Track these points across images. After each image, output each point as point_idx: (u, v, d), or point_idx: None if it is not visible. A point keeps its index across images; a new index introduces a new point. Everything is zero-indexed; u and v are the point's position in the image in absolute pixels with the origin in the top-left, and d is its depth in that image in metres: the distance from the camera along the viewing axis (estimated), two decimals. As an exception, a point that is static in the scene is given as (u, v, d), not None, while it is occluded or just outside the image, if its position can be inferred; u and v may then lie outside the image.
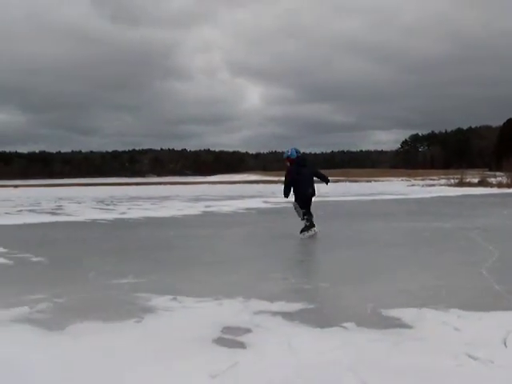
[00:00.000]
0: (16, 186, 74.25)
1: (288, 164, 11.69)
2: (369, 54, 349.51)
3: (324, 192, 37.32)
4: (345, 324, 4.47)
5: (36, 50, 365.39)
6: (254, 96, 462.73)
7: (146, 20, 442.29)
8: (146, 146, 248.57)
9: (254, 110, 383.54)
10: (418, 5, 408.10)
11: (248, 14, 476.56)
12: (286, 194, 11.64)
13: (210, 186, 70.89)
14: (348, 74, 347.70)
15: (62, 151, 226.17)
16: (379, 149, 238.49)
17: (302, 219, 11.37)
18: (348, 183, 67.93)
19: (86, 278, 6.74)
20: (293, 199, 11.61)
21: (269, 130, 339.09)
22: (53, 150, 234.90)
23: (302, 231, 11.24)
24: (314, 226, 11.32)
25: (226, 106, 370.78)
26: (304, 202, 11.51)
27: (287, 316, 4.78)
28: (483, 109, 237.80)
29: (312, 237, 11.05)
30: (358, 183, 67.80)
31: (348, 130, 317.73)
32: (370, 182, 74.93)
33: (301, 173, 11.51)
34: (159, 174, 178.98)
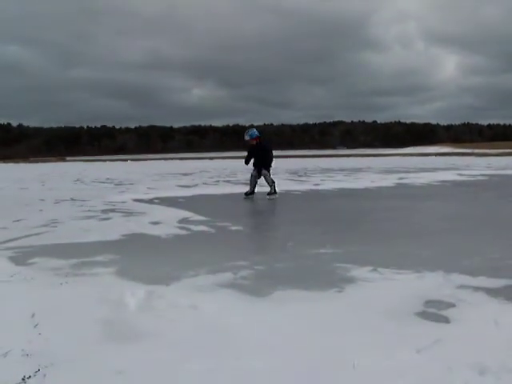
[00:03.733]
0: (211, 158, 77.61)
1: (254, 143, 14.50)
2: None
3: (504, 164, 35.40)
4: (555, 305, 4.18)
5: (234, 27, 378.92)
6: (449, 66, 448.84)
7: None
8: (337, 119, 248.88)
9: (448, 81, 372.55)
10: None
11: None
12: (268, 164, 14.56)
13: (402, 157, 69.64)
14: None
15: (255, 124, 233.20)
16: None
17: (270, 185, 14.37)
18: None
19: (284, 247, 6.91)
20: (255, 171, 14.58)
21: (463, 100, 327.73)
22: (246, 123, 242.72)
23: (269, 194, 14.28)
24: (276, 192, 14.39)
25: (420, 77, 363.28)
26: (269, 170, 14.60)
27: (491, 292, 4.58)
28: None
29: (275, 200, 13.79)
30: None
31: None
32: None
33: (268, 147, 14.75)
34: (349, 147, 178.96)
